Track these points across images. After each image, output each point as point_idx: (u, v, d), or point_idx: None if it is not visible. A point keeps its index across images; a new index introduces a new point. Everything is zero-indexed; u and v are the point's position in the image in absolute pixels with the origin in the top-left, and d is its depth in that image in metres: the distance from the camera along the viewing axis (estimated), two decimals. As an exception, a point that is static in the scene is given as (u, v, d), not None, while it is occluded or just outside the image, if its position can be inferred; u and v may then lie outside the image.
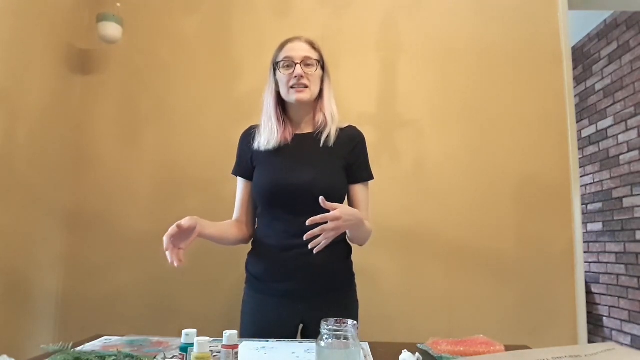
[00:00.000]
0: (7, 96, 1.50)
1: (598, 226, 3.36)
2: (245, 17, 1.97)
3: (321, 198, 1.01)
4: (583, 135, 3.56)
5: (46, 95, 1.72)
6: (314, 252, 1.03)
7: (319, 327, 0.74)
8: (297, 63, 1.19)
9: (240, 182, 1.29)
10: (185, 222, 1.03)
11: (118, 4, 1.83)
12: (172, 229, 1.01)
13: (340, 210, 1.03)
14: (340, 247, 1.24)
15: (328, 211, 1.04)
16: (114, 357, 0.83)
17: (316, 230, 1.02)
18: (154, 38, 1.97)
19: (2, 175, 1.48)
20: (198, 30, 1.97)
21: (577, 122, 3.43)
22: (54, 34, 1.77)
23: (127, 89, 1.94)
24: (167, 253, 1.01)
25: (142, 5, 1.97)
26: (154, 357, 0.88)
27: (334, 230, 1.03)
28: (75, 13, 1.89)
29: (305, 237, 1.02)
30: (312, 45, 1.25)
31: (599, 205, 3.37)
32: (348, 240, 1.26)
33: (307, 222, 1.01)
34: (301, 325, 1.21)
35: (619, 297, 3.11)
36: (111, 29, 1.78)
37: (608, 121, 3.27)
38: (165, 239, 1.01)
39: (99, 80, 1.94)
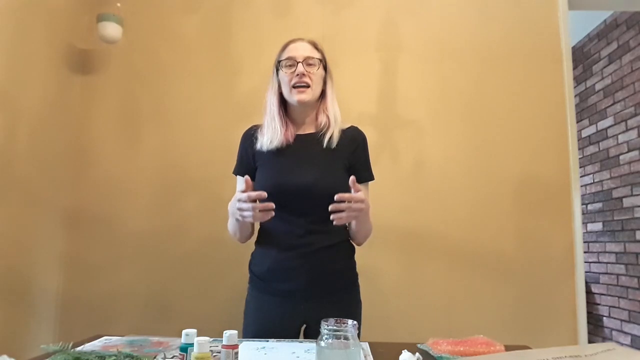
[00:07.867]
0: (7, 96, 1.50)
1: (598, 226, 3.36)
2: (244, 17, 1.97)
3: (352, 178, 1.04)
4: (583, 135, 3.56)
5: (46, 95, 1.72)
6: (334, 224, 1.06)
7: (321, 327, 0.74)
8: (299, 62, 1.20)
9: (241, 182, 1.29)
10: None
11: (118, 4, 1.83)
12: (244, 195, 1.06)
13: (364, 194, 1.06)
14: (344, 247, 1.25)
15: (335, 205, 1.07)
16: (114, 357, 0.83)
17: (342, 206, 1.04)
18: (154, 38, 1.97)
19: (2, 175, 1.48)
20: (198, 30, 1.97)
21: (577, 122, 3.43)
22: (54, 34, 1.77)
23: (127, 89, 1.94)
24: (249, 213, 1.06)
25: (142, 5, 1.97)
26: (154, 357, 0.88)
27: (357, 211, 1.06)
28: (75, 13, 1.89)
29: (330, 209, 1.04)
30: (315, 45, 1.26)
31: (599, 205, 3.37)
32: (350, 231, 1.26)
33: (336, 197, 1.03)
34: (304, 325, 1.22)
35: (619, 297, 3.10)
36: (111, 29, 1.78)
37: (608, 121, 3.27)
38: (245, 204, 1.06)
39: (99, 80, 1.94)
